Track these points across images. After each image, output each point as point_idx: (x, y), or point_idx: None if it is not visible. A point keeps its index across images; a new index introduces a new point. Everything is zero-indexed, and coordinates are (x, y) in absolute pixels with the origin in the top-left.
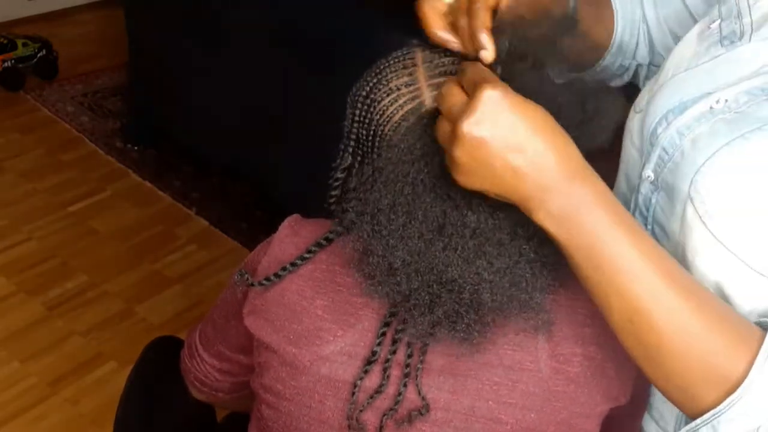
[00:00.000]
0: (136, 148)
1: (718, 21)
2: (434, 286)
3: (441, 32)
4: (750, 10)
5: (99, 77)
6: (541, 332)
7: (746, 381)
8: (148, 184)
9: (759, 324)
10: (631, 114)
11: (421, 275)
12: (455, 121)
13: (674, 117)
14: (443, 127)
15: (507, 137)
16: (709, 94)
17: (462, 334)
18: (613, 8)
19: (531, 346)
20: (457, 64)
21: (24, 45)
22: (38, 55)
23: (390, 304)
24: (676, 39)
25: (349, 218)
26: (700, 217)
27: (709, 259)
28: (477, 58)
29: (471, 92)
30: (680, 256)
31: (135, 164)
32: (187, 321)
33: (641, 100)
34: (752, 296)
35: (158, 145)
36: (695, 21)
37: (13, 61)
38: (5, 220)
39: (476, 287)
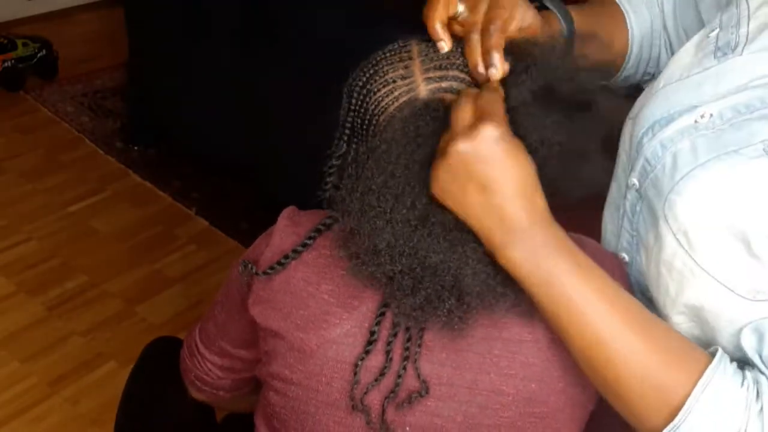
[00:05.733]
0: (136, 148)
1: (717, 30)
2: (417, 269)
3: (440, 27)
4: (749, 20)
5: (99, 77)
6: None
7: (684, 408)
8: (148, 184)
9: (712, 354)
10: (627, 120)
11: (404, 258)
12: (452, 136)
13: (660, 128)
14: (444, 136)
15: (486, 174)
16: (695, 107)
17: (444, 319)
18: (627, 25)
19: (529, 318)
20: (455, 59)
21: (24, 45)
22: (38, 55)
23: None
24: None
25: (340, 195)
26: (674, 234)
27: (680, 274)
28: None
29: (477, 117)
30: (654, 270)
31: (135, 164)
32: (187, 321)
33: (635, 107)
34: (723, 312)
35: (158, 145)
36: None
37: (13, 61)
38: (5, 220)
39: (458, 272)
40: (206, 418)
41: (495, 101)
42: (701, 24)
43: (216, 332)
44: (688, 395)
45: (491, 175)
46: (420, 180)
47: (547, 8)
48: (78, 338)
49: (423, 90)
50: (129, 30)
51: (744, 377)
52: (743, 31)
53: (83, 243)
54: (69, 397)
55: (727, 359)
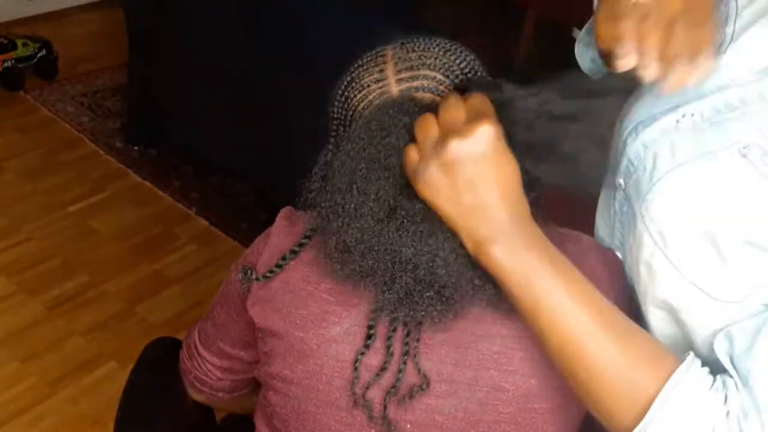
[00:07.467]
0: (136, 148)
1: None
2: (389, 264)
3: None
4: (736, 18)
5: (99, 77)
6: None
7: (653, 406)
8: (148, 184)
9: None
10: (617, 121)
11: (375, 253)
12: (447, 133)
13: (643, 129)
14: (430, 130)
15: (477, 172)
16: (677, 107)
17: (423, 312)
18: None
19: None
20: (426, 58)
21: (24, 45)
22: (38, 55)
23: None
24: None
25: (310, 198)
26: (651, 234)
27: (657, 273)
28: None
29: (472, 117)
30: (635, 268)
31: (135, 164)
32: (187, 321)
33: (625, 107)
34: (697, 312)
35: (158, 145)
36: None
37: (13, 61)
38: (5, 220)
39: (431, 264)
40: (206, 419)
41: (485, 102)
42: None
43: (215, 333)
44: (657, 393)
45: (483, 173)
46: (386, 172)
47: None
48: (78, 338)
49: (395, 90)
50: (129, 30)
51: (714, 380)
52: (729, 29)
53: (83, 243)
54: (69, 397)
55: (699, 362)
